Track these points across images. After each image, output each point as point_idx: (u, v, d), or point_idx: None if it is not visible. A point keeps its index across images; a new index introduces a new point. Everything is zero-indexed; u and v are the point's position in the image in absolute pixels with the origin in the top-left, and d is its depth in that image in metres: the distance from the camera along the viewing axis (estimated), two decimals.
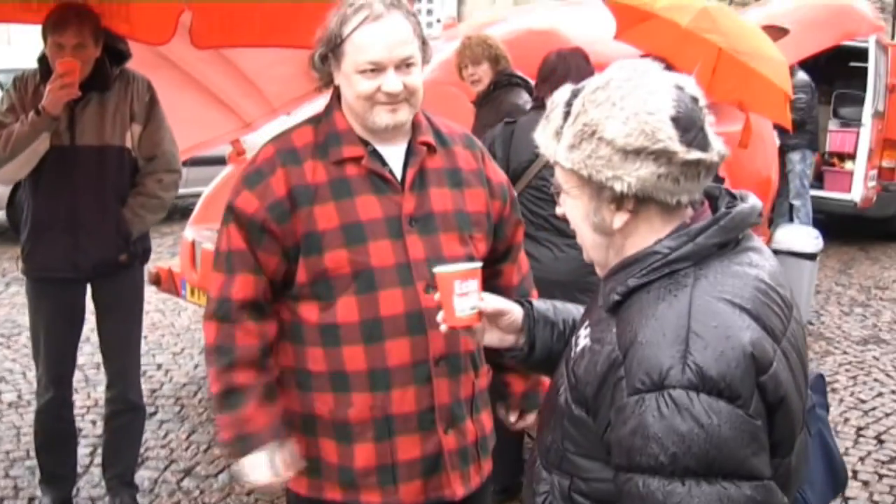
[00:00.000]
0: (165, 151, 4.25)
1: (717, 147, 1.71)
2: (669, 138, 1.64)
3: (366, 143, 2.52)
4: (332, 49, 2.46)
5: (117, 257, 4.22)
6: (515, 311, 2.16)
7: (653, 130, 1.64)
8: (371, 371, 2.47)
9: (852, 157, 10.85)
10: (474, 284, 2.12)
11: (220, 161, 7.07)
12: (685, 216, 1.75)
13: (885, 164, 11.04)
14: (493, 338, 2.18)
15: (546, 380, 2.36)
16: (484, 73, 5.34)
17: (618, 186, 1.68)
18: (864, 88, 10.64)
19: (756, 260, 1.75)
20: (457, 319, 2.12)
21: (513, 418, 2.83)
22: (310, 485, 2.59)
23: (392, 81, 2.42)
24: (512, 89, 5.17)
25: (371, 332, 2.46)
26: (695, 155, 1.65)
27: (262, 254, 2.48)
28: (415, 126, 2.56)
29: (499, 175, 2.75)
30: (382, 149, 2.53)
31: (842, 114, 11.38)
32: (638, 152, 1.64)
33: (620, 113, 1.66)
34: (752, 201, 1.79)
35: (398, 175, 2.53)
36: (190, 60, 4.86)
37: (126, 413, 4.47)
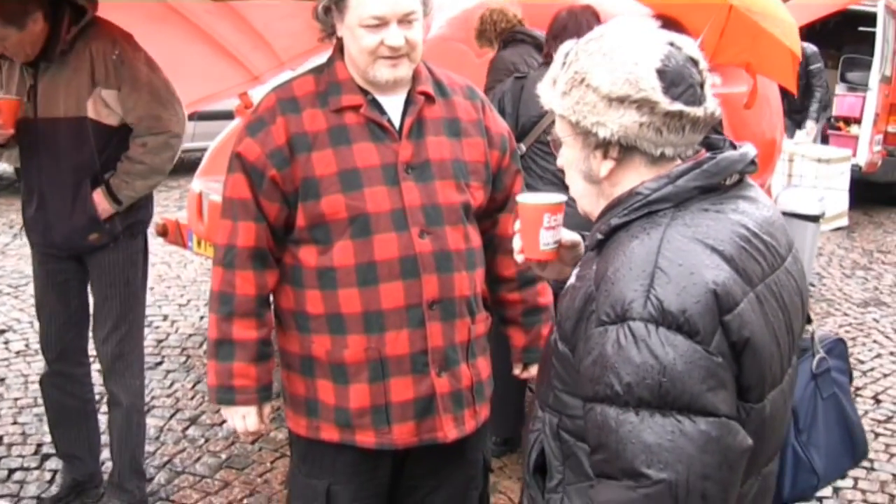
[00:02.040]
0: (144, 115, 3.83)
1: (709, 105, 1.74)
2: (652, 88, 1.68)
3: (365, 93, 2.56)
4: (336, 2, 2.50)
5: (85, 237, 3.88)
6: (581, 245, 2.15)
7: (636, 80, 1.68)
8: (366, 313, 2.53)
9: (858, 121, 10.84)
10: (561, 218, 2.06)
11: (227, 115, 7.08)
12: (672, 167, 1.77)
13: (891, 128, 11.05)
14: (553, 271, 2.16)
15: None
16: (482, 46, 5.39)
17: (602, 133, 1.72)
18: (871, 53, 10.62)
19: (744, 207, 1.77)
20: (540, 252, 2.05)
21: (517, 370, 2.90)
22: (308, 425, 2.66)
23: (395, 36, 2.46)
24: (516, 46, 5.15)
25: (366, 275, 2.51)
26: (677, 107, 1.69)
27: (264, 200, 2.54)
28: (414, 76, 2.60)
29: (499, 126, 2.78)
30: (382, 98, 2.57)
31: (849, 78, 11.33)
32: (622, 100, 1.69)
33: (609, 63, 1.71)
34: (745, 149, 1.81)
35: (396, 124, 2.57)
36: (198, 13, 4.84)
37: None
